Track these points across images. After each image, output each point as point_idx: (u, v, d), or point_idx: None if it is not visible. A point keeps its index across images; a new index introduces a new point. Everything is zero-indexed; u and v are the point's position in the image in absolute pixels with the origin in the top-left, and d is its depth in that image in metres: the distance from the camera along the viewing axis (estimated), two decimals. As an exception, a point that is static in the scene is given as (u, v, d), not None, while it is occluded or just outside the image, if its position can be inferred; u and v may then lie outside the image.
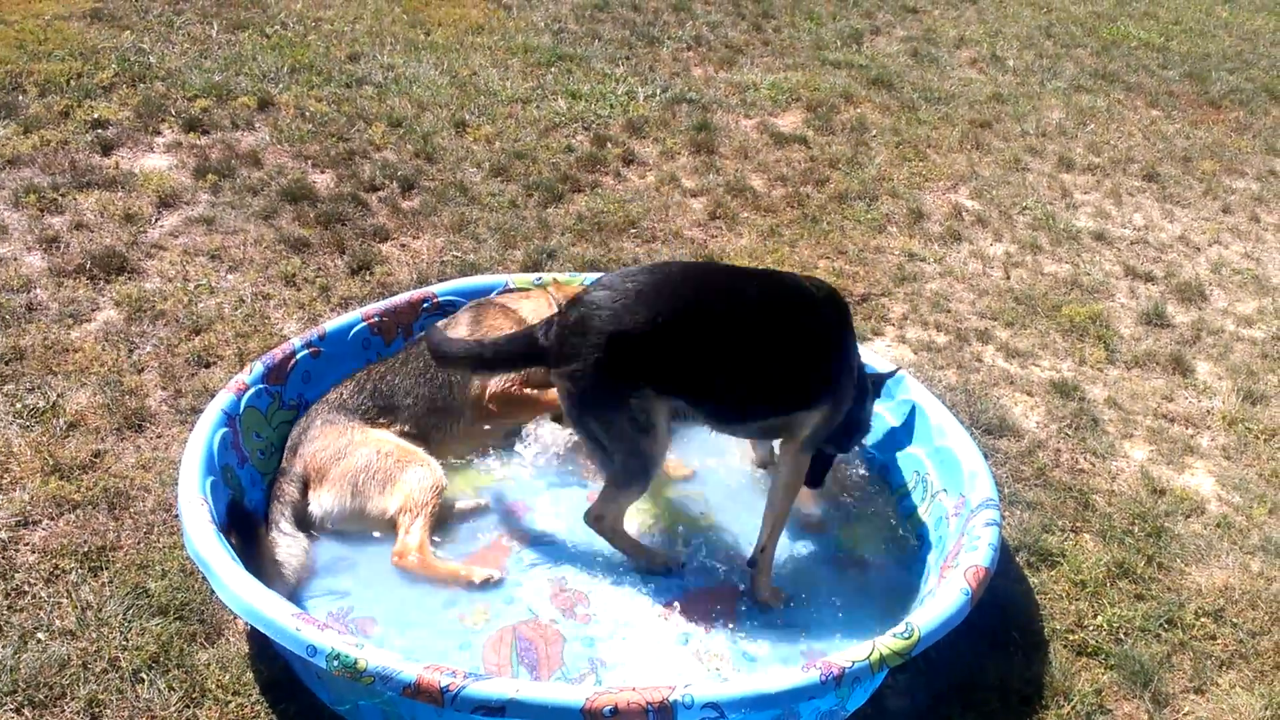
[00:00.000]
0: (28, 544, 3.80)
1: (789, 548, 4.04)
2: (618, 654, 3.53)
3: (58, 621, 3.48)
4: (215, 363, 4.85)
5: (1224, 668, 3.70)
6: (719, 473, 4.41)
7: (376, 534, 3.90)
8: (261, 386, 4.03)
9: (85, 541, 3.79)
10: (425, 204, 6.49)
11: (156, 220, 6.06)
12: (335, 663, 2.83)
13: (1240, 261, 6.78)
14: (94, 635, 3.43)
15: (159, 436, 4.39)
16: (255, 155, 6.89)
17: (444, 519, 3.96)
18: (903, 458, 4.31)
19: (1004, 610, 3.79)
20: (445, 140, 7.44)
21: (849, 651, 2.99)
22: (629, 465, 3.65)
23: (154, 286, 5.40)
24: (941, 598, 3.23)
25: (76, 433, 4.33)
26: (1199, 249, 6.92)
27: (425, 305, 4.67)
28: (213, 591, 3.45)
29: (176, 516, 3.87)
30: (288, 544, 3.63)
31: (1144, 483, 4.59)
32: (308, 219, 6.16)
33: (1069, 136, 8.62)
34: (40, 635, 3.43)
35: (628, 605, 3.73)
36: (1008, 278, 6.29)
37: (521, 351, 3.67)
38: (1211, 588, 4.02)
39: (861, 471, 4.44)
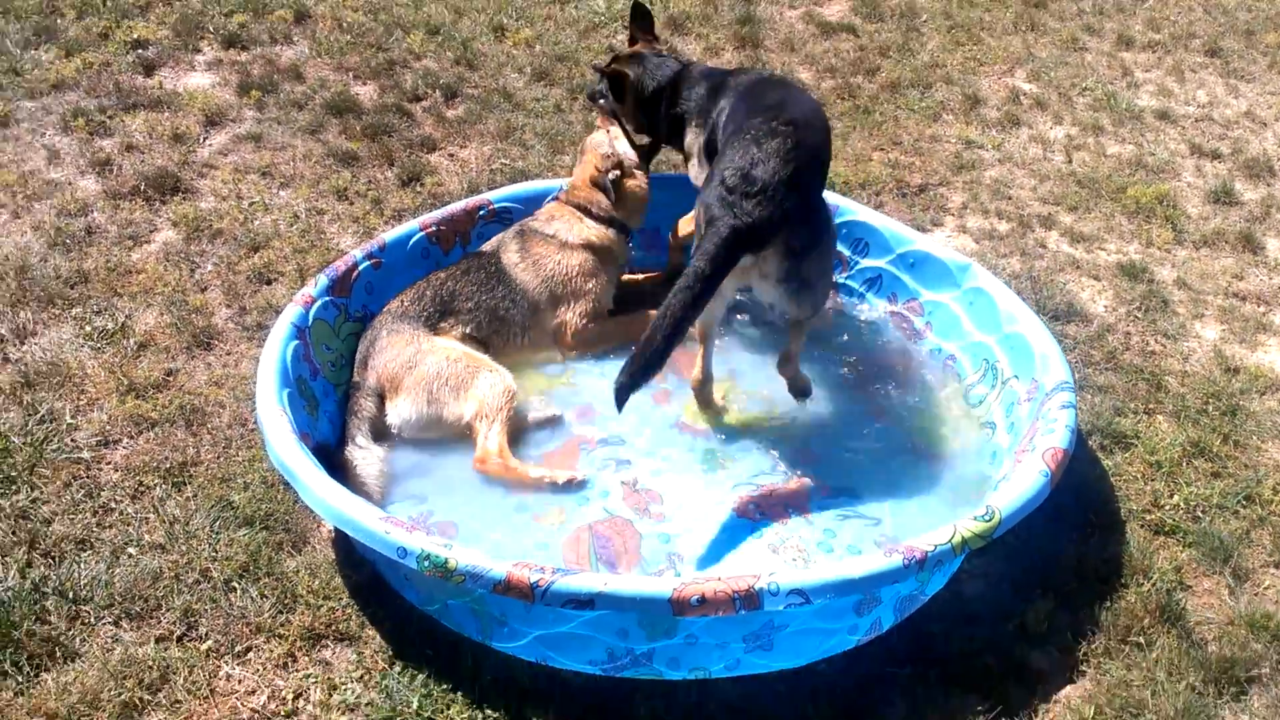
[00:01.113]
0: (110, 462, 3.88)
1: (860, 439, 4.03)
2: (694, 548, 3.56)
3: (146, 536, 3.57)
4: (276, 279, 4.87)
5: (1306, 542, 3.67)
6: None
7: (452, 440, 3.93)
8: (328, 299, 4.04)
9: (166, 458, 3.86)
10: (470, 112, 6.41)
11: (205, 139, 6.04)
12: (426, 563, 2.88)
13: (1311, 135, 6.54)
14: (183, 548, 3.52)
15: (228, 353, 4.44)
16: (296, 69, 6.82)
17: (519, 428, 3.98)
18: (970, 346, 4.26)
19: (1079, 493, 3.77)
20: (485, 46, 7.31)
21: (930, 535, 2.99)
22: (826, 289, 3.96)
23: (209, 206, 5.41)
24: (1020, 479, 3.21)
25: (147, 353, 4.38)
26: (1265, 124, 6.67)
27: (481, 213, 4.64)
28: (298, 500, 3.54)
29: (255, 429, 3.95)
30: (363, 457, 3.68)
31: (1217, 362, 4.51)
32: (354, 132, 6.11)
33: (1126, 13, 8.28)
34: (131, 550, 3.52)
35: (700, 503, 3.75)
36: (1069, 161, 6.12)
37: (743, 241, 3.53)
38: (1290, 464, 3.96)
39: (928, 362, 4.39)
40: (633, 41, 4.76)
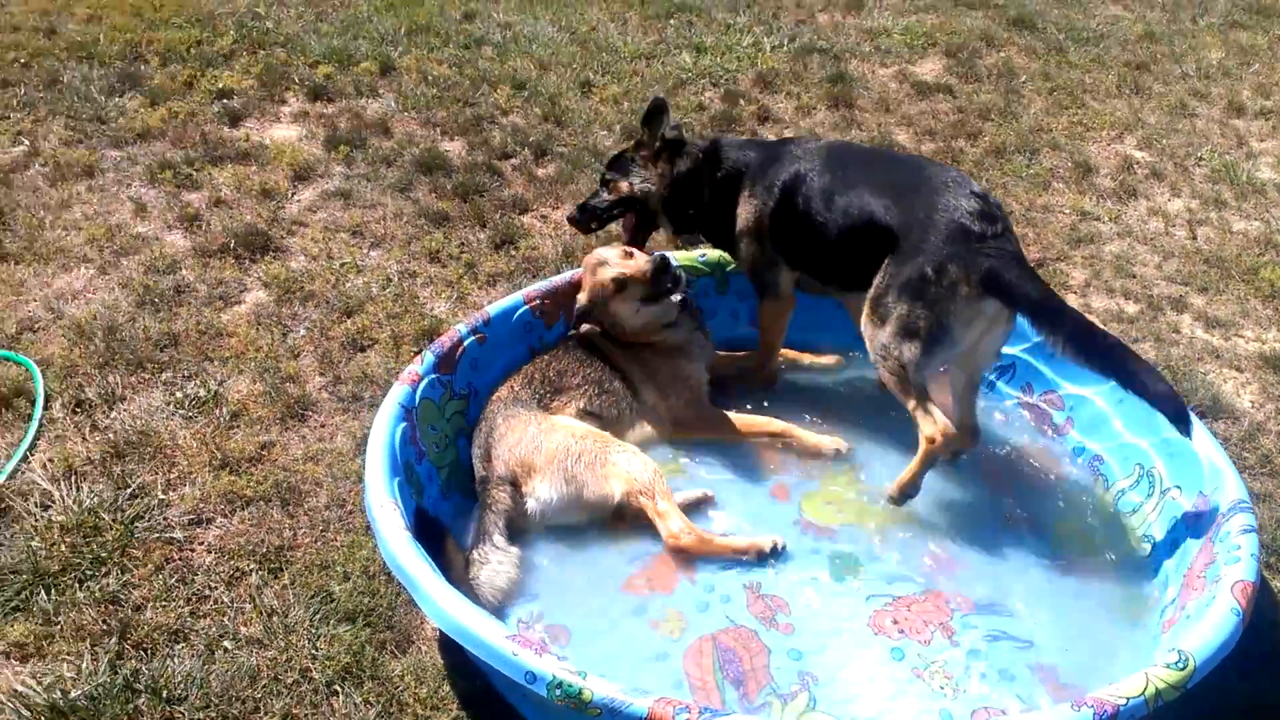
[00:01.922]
0: (203, 543, 3.67)
1: (999, 546, 3.73)
2: (829, 669, 3.27)
3: (243, 629, 3.35)
4: (370, 346, 4.68)
5: None
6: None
7: (576, 532, 3.71)
8: (434, 376, 3.82)
9: (262, 541, 3.65)
10: (561, 171, 6.22)
11: (293, 195, 5.90)
12: (558, 691, 2.62)
13: None
14: (282, 644, 3.29)
15: (323, 426, 4.23)
16: (383, 123, 6.69)
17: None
18: (1120, 448, 3.95)
19: (1253, 622, 3.42)
20: (572, 102, 7.15)
21: (1120, 686, 2.67)
22: None
23: (299, 266, 5.24)
24: (1210, 619, 2.88)
25: (240, 423, 4.19)
26: (1396, 202, 6.32)
27: (588, 286, 4.40)
28: (401, 594, 3.32)
29: (353, 512, 3.76)
30: (499, 560, 3.40)
31: (1382, 469, 4.16)
32: (444, 190, 5.95)
33: (1233, 78, 7.99)
34: (226, 644, 3.29)
35: (831, 615, 3.46)
36: (1194, 237, 5.81)
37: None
38: None
39: (1071, 464, 4.08)
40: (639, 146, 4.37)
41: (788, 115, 7.11)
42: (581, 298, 4.16)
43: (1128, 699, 2.63)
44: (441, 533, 3.33)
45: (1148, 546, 3.67)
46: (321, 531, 3.72)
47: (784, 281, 4.15)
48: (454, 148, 6.53)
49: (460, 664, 3.23)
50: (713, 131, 6.64)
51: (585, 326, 4.13)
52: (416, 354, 4.52)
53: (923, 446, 3.69)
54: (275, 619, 3.35)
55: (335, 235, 5.53)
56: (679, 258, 4.46)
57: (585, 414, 3.97)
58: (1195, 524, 3.47)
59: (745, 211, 4.08)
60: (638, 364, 4.15)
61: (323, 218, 5.69)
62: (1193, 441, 3.58)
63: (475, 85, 7.32)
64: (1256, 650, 3.21)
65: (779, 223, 4.00)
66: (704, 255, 4.59)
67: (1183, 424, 3.33)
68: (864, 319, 3.70)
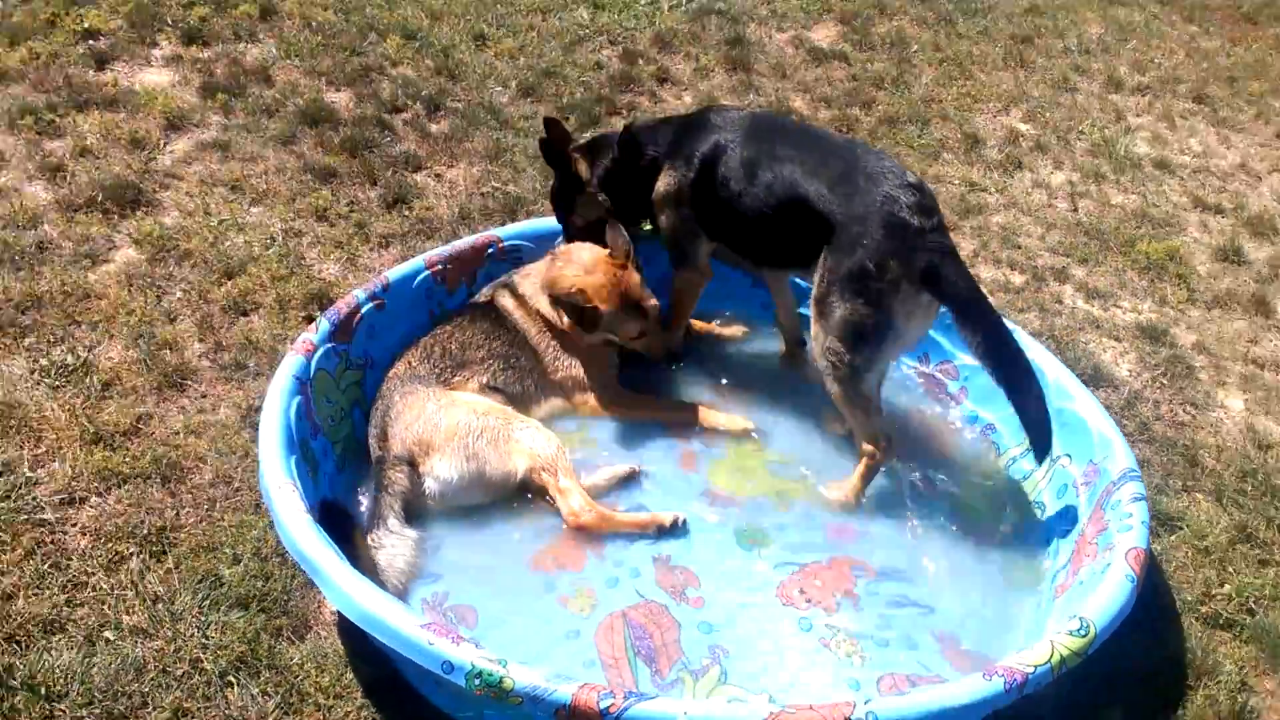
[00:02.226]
0: (77, 525, 3.45)
1: (898, 513, 3.79)
2: (739, 641, 3.28)
3: (126, 618, 3.16)
4: (254, 310, 4.46)
5: (1363, 641, 3.53)
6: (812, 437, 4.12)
7: (471, 511, 3.62)
8: (330, 345, 3.66)
9: (143, 522, 3.45)
10: (455, 128, 6.03)
11: (166, 145, 5.56)
12: (477, 681, 2.55)
13: (1306, 192, 6.52)
14: (169, 633, 3.12)
15: (203, 396, 4.02)
16: (264, 71, 6.36)
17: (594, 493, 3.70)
18: (1012, 417, 4.00)
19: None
20: (466, 55, 6.92)
21: (1028, 655, 2.74)
22: None
23: (174, 221, 4.95)
24: (1108, 586, 2.99)
25: (113, 393, 3.95)
26: (1260, 178, 6.65)
27: (490, 251, 4.29)
28: (307, 584, 3.20)
29: (241, 489, 3.58)
30: (393, 544, 3.28)
31: (1248, 436, 4.39)
32: (331, 145, 5.70)
33: (1112, 54, 8.24)
34: (109, 634, 3.11)
35: (739, 586, 3.47)
36: (1075, 209, 5.99)
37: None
38: (1338, 553, 3.83)
39: (964, 432, 4.17)
40: (549, 149, 4.29)
41: (686, 77, 7.04)
42: (601, 304, 3.92)
43: (1035, 667, 2.71)
44: (349, 522, 3.20)
45: (1039, 513, 3.79)
46: (207, 511, 3.53)
47: (702, 253, 4.09)
48: (341, 99, 6.25)
49: (364, 650, 3.12)
50: (625, 119, 6.53)
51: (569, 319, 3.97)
52: (306, 320, 4.36)
53: (864, 460, 3.73)
54: (161, 606, 3.18)
55: (213, 190, 5.24)
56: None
57: (489, 389, 3.86)
58: (1086, 491, 3.59)
59: (664, 183, 4.00)
60: (553, 341, 4.05)
61: (199, 170, 5.38)
62: (1080, 409, 3.70)
63: (363, 33, 7.01)
64: (1145, 619, 3.36)
65: (700, 193, 3.92)
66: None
67: (1040, 454, 3.48)
68: (812, 322, 3.65)
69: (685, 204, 3.97)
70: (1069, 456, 3.75)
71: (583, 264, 3.98)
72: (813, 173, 3.64)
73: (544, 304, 4.03)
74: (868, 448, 3.70)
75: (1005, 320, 3.55)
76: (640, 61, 7.13)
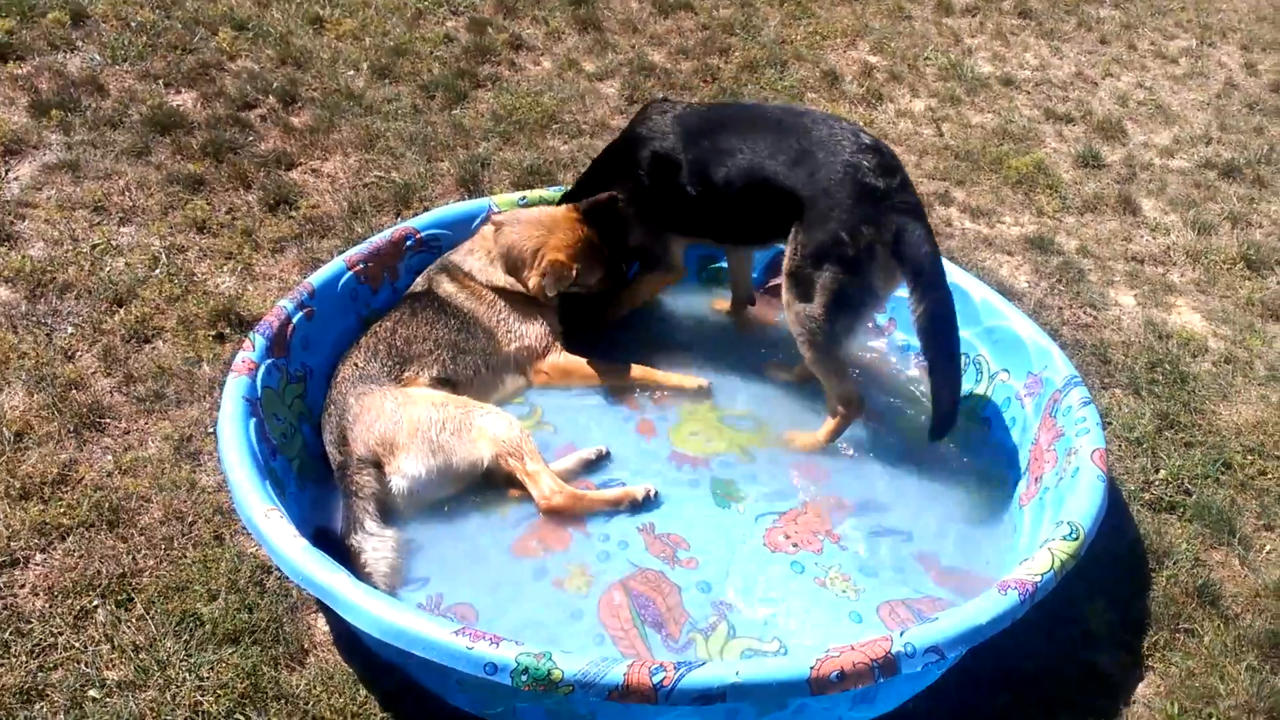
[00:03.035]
0: (25, 586, 3.19)
1: (857, 445, 3.89)
2: (739, 594, 3.32)
3: (109, 673, 2.95)
4: (157, 335, 4.17)
5: (1284, 501, 3.86)
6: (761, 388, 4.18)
7: (446, 507, 3.51)
8: (270, 361, 3.47)
9: (99, 572, 3.21)
10: (318, 119, 5.75)
11: (8, 173, 5.10)
12: (524, 678, 2.49)
13: (1137, 93, 6.97)
14: (159, 681, 2.93)
15: (126, 433, 3.75)
16: (95, 81, 5.89)
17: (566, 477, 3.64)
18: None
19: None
20: (306, 40, 6.60)
21: (1032, 565, 2.88)
22: None
23: (41, 253, 4.56)
24: (1083, 488, 3.16)
25: (29, 443, 3.64)
26: (1096, 84, 7.06)
27: (409, 243, 4.14)
28: (292, 608, 3.08)
29: (196, 523, 3.38)
30: (376, 546, 3.16)
31: (1146, 328, 4.69)
32: (190, 151, 5.35)
33: (934, -23, 8.54)
34: (93, 693, 2.90)
35: (727, 541, 3.50)
36: (941, 134, 6.23)
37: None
38: (1245, 424, 4.16)
39: (898, 362, 4.31)
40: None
41: (539, 42, 6.92)
42: (577, 263, 3.90)
43: (1041, 575, 2.84)
44: (340, 544, 3.08)
45: (985, 426, 3.96)
46: (165, 550, 3.31)
47: (674, 252, 4.08)
48: (185, 100, 5.87)
49: (371, 662, 3.02)
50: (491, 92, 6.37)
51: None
52: (217, 339, 4.15)
53: (836, 420, 3.79)
54: (144, 655, 2.97)
55: (73, 214, 4.84)
56: (499, 202, 4.30)
57: (440, 382, 3.74)
58: (1031, 402, 3.77)
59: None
60: (502, 315, 3.96)
61: (52, 195, 4.96)
62: (1013, 325, 3.88)
63: (189, 28, 6.57)
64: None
65: (658, 202, 3.90)
66: (524, 198, 4.41)
67: (936, 436, 3.62)
68: (784, 293, 3.67)
69: (647, 217, 3.96)
70: (1007, 371, 3.93)
71: (537, 224, 3.97)
72: (770, 156, 3.64)
73: (498, 275, 3.96)
74: (840, 408, 3.77)
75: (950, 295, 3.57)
76: (490, 30, 6.96)
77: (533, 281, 3.89)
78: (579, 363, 4.02)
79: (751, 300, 4.46)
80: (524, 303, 4.00)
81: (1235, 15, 8.37)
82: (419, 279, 4.06)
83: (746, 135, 3.75)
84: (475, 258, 4.02)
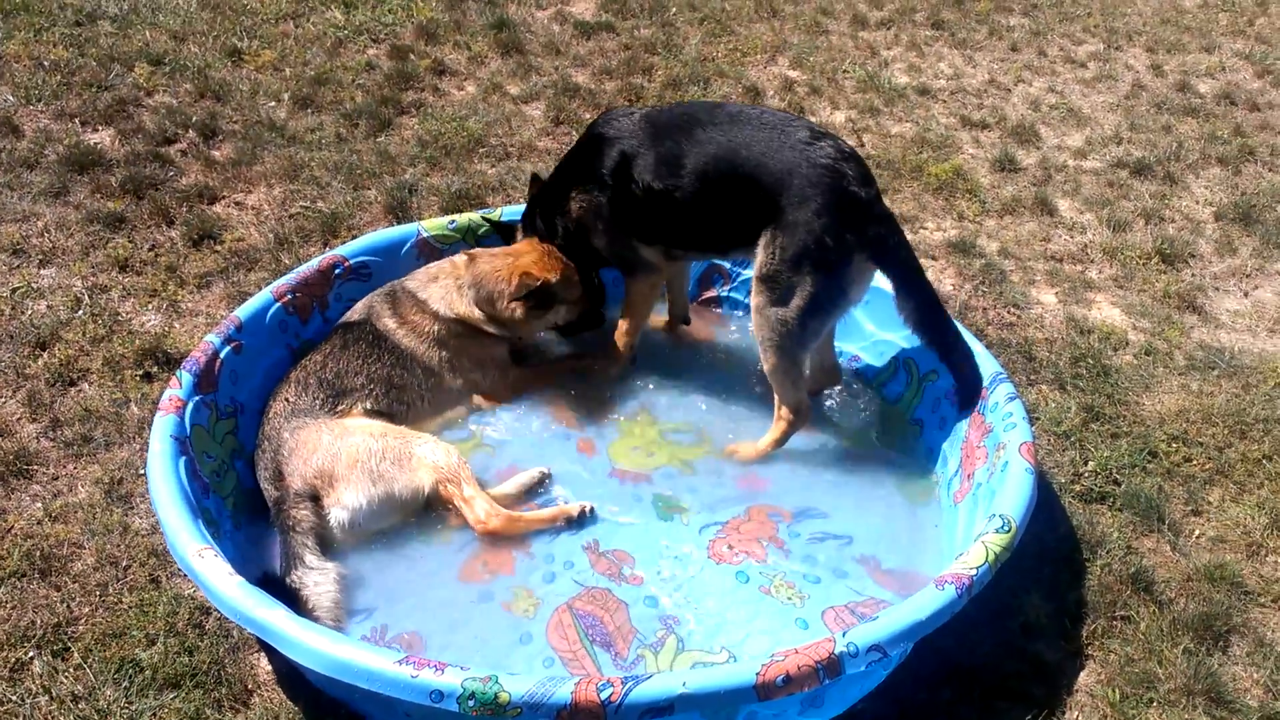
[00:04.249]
0: (-45, 642, 3.09)
1: (795, 453, 3.94)
2: (686, 607, 3.33)
3: (48, 729, 2.87)
4: (82, 377, 4.10)
5: (1208, 485, 3.97)
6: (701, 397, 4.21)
7: (388, 538, 3.47)
8: (198, 398, 3.41)
9: (33, 622, 3.14)
10: (240, 151, 5.70)
11: (-81, 218, 4.98)
12: (471, 703, 2.48)
13: (1049, 97, 7.15)
14: (102, 733, 2.86)
15: (55, 479, 3.67)
16: (8, 121, 5.79)
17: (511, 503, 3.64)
18: (874, 345, 4.28)
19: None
20: (224, 73, 6.56)
21: (967, 559, 2.93)
22: None
23: (-44, 300, 4.45)
24: (1012, 481, 3.22)
25: (-49, 496, 3.54)
26: (1009, 90, 7.24)
27: (337, 271, 4.10)
28: (233, 649, 3.02)
29: (130, 567, 3.31)
30: (317, 581, 3.12)
31: (1069, 324, 4.80)
32: (109, 189, 5.27)
33: (848, -8, 8.71)
34: (31, 750, 2.82)
35: (672, 555, 3.51)
36: (862, 144, 6.34)
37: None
38: (1168, 413, 4.28)
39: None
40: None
41: (463, 66, 6.93)
42: (549, 275, 3.91)
43: (976, 569, 2.90)
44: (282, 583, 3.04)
45: (918, 428, 4.03)
46: (100, 597, 3.24)
47: (646, 253, 3.98)
48: (103, 138, 5.78)
49: (317, 699, 2.98)
50: (415, 118, 6.36)
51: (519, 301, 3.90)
52: (145, 378, 4.09)
53: (782, 425, 3.81)
54: (84, 705, 2.91)
55: (-10, 258, 4.75)
56: (427, 226, 4.30)
57: (374, 414, 3.71)
58: (959, 401, 3.84)
59: (577, 207, 3.93)
60: (445, 350, 3.95)
61: (-34, 240, 4.86)
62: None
63: (104, 65, 6.49)
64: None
65: (622, 207, 3.84)
66: (453, 222, 4.40)
67: (969, 404, 3.71)
68: (755, 296, 3.65)
69: (608, 222, 3.90)
70: (935, 372, 3.99)
71: (508, 253, 4.05)
72: (744, 153, 3.60)
73: (460, 304, 3.96)
74: (788, 414, 3.79)
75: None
76: (412, 56, 6.96)
77: (505, 304, 3.89)
78: (523, 377, 4.10)
79: (687, 319, 4.49)
80: (475, 338, 3.98)
81: (1140, 19, 8.64)
82: (358, 305, 4.01)
83: (721, 129, 3.68)
84: (438, 285, 3.98)
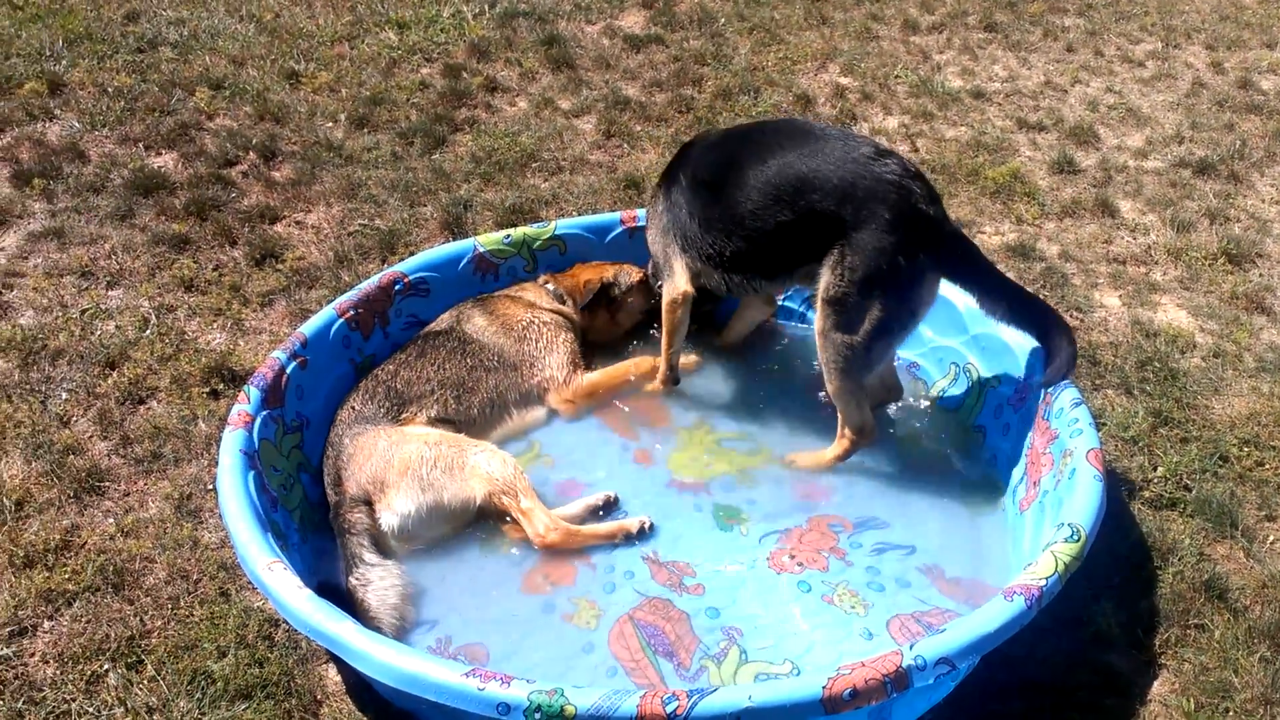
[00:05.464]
0: (35, 654, 3.18)
1: (853, 465, 3.90)
2: (749, 619, 3.31)
3: (124, 740, 2.93)
4: (151, 395, 4.18)
5: (1282, 491, 3.87)
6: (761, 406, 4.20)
7: (449, 547, 3.51)
8: (265, 413, 3.48)
9: (107, 636, 3.20)
10: (300, 171, 5.80)
11: (-6, 243, 5.13)
12: (537, 715, 2.48)
13: (1107, 97, 7.04)
14: (177, 745, 2.91)
15: (126, 495, 3.75)
16: (74, 147, 5.95)
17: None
18: (933, 351, 4.24)
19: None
20: (282, 95, 6.67)
21: (1036, 569, 2.88)
22: None
23: (32, 321, 4.58)
24: (1081, 489, 3.16)
25: (29, 511, 3.64)
26: (1065, 91, 7.14)
27: (397, 287, 4.16)
28: (302, 660, 3.06)
29: (201, 580, 3.36)
30: (379, 577, 3.19)
31: (1134, 328, 4.71)
32: (174, 211, 5.39)
33: (898, -2, 8.66)
34: (110, 762, 2.87)
35: (732, 564, 3.50)
36: (916, 150, 6.28)
37: None
38: (1239, 417, 4.18)
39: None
40: None
41: (514, 82, 6.99)
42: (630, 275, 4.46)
43: (1046, 579, 2.85)
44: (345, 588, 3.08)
45: (980, 435, 3.97)
46: (172, 610, 3.30)
47: (681, 268, 3.98)
48: (166, 162, 5.92)
49: (385, 710, 3.02)
50: (469, 134, 6.44)
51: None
52: (211, 395, 4.16)
53: (845, 444, 3.79)
54: (159, 716, 2.97)
55: (61, 281, 4.87)
56: (483, 241, 4.35)
57: (438, 422, 3.76)
58: (1022, 407, 3.79)
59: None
60: (527, 343, 4.10)
61: (39, 264, 5.00)
62: (999, 332, 3.89)
63: (166, 91, 6.64)
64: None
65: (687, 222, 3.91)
66: (509, 236, 4.45)
67: (1068, 371, 3.56)
68: (821, 319, 3.60)
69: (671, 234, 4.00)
70: (997, 377, 3.94)
71: (590, 268, 4.52)
72: (809, 174, 3.57)
73: (545, 301, 4.33)
74: (851, 434, 3.76)
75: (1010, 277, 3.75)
76: (464, 74, 7.04)
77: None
78: (594, 377, 4.14)
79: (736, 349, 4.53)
80: (561, 329, 4.20)
81: (1198, 16, 8.48)
82: (444, 315, 4.15)
83: (780, 150, 3.67)
84: (536, 289, 4.37)
